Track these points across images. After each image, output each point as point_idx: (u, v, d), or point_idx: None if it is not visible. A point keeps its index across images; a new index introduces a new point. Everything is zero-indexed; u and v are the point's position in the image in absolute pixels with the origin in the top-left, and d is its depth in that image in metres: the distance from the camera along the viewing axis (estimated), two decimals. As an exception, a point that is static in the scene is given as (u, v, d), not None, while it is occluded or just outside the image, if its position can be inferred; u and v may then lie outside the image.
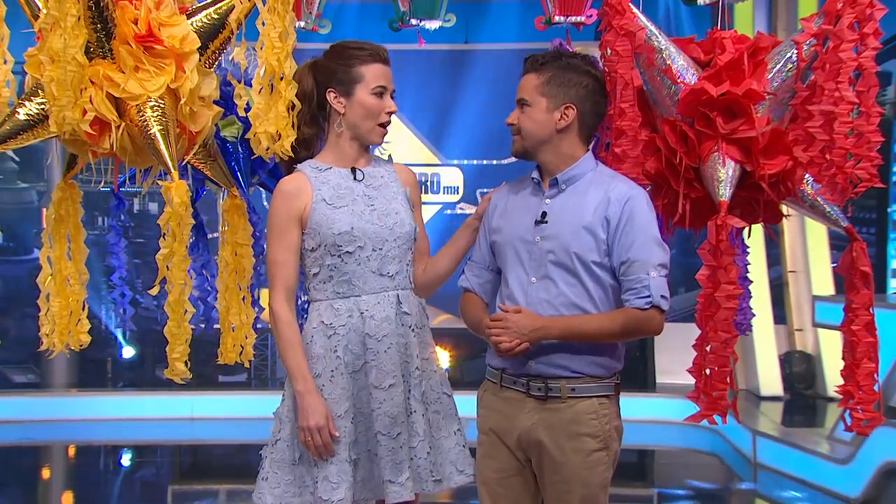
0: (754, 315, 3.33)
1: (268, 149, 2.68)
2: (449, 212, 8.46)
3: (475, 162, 8.44)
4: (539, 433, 2.56)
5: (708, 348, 2.80)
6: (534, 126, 2.60)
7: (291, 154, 2.70)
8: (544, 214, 2.59)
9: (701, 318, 2.78)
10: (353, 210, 2.65)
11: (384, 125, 2.71)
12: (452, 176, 8.51)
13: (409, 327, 2.69)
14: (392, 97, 2.71)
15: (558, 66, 2.60)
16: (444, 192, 8.51)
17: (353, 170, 2.72)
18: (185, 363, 2.79)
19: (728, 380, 2.82)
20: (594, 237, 2.53)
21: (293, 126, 2.67)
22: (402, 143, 8.21)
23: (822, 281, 7.78)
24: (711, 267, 2.72)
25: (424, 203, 8.33)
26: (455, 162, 8.45)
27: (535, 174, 2.66)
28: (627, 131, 2.76)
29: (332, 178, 2.69)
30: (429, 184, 8.42)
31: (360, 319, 2.65)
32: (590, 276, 2.54)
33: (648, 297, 2.50)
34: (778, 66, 2.78)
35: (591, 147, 2.73)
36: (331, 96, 2.69)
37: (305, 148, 2.74)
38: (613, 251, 2.53)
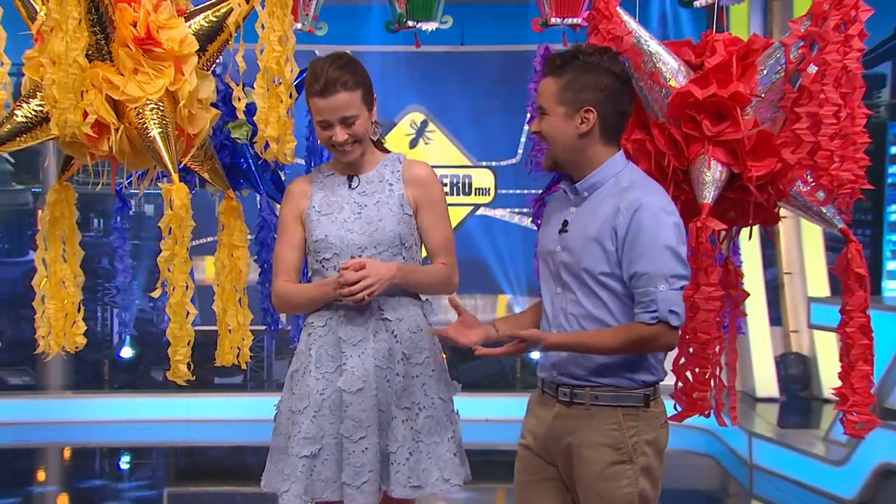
0: (745, 316, 3.33)
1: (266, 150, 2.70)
2: (480, 213, 8.55)
3: (504, 163, 8.48)
4: (563, 439, 2.52)
5: (690, 350, 2.81)
6: (557, 134, 2.50)
7: (292, 159, 2.73)
8: (565, 223, 2.53)
9: None
10: (336, 218, 2.71)
11: (338, 148, 2.68)
12: (484, 178, 8.54)
13: (392, 333, 2.70)
14: (350, 123, 2.64)
15: (576, 69, 2.48)
16: (475, 194, 8.55)
17: (350, 178, 2.76)
18: (188, 365, 2.81)
19: (712, 381, 2.83)
20: (603, 249, 2.44)
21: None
22: (432, 145, 8.26)
23: (818, 282, 7.79)
24: (691, 269, 2.73)
25: (456, 205, 8.47)
26: (491, 164, 8.48)
27: (564, 183, 2.59)
28: None
29: (329, 185, 2.77)
30: (460, 185, 8.44)
31: (337, 323, 2.70)
32: (602, 287, 2.46)
33: (655, 311, 2.38)
34: (768, 69, 2.80)
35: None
36: None
37: None
38: (623, 263, 2.43)
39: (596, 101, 2.47)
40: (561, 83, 2.48)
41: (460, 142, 8.60)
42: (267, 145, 2.79)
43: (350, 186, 2.75)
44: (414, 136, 8.47)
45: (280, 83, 2.74)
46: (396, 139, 8.37)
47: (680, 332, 2.65)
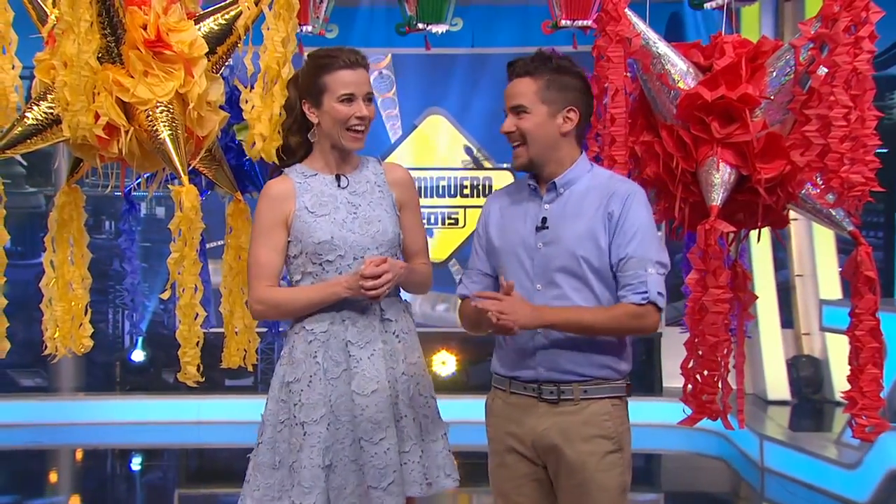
0: (753, 318, 3.32)
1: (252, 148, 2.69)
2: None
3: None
4: (553, 437, 2.53)
5: (699, 352, 2.80)
6: (538, 132, 2.54)
7: (275, 159, 2.71)
8: (544, 220, 2.56)
9: (690, 322, 2.79)
10: (335, 218, 2.66)
11: (355, 130, 2.66)
12: (504, 180, 8.54)
13: (393, 333, 2.70)
14: (369, 100, 2.66)
15: (551, 70, 2.54)
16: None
17: (338, 177, 2.72)
18: (197, 366, 2.81)
19: (720, 383, 2.82)
20: (599, 238, 2.49)
21: (280, 134, 2.69)
22: (452, 147, 8.28)
23: (830, 285, 7.75)
24: (700, 271, 2.73)
25: (479, 207, 8.47)
26: (506, 166, 8.48)
27: (530, 180, 2.62)
28: (617, 138, 2.77)
29: (315, 186, 2.70)
30: (481, 188, 8.44)
31: (341, 326, 2.65)
32: (598, 278, 2.50)
33: (645, 293, 2.45)
34: (777, 71, 2.79)
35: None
36: (305, 107, 2.69)
37: (290, 155, 2.75)
38: (612, 247, 2.49)
39: (578, 102, 2.55)
40: (541, 83, 2.54)
41: (481, 144, 8.58)
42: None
43: (340, 186, 2.71)
44: (471, 161, 8.46)
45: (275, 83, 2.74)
46: (418, 142, 8.35)
47: (690, 336, 2.66)
